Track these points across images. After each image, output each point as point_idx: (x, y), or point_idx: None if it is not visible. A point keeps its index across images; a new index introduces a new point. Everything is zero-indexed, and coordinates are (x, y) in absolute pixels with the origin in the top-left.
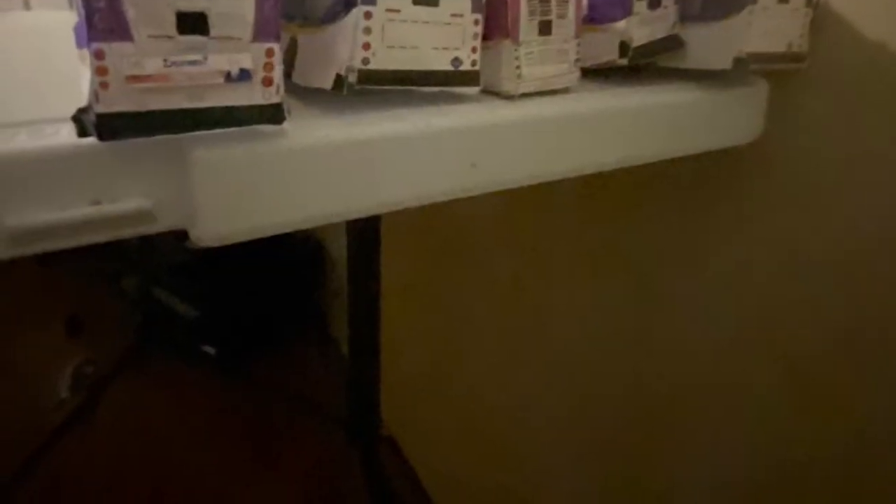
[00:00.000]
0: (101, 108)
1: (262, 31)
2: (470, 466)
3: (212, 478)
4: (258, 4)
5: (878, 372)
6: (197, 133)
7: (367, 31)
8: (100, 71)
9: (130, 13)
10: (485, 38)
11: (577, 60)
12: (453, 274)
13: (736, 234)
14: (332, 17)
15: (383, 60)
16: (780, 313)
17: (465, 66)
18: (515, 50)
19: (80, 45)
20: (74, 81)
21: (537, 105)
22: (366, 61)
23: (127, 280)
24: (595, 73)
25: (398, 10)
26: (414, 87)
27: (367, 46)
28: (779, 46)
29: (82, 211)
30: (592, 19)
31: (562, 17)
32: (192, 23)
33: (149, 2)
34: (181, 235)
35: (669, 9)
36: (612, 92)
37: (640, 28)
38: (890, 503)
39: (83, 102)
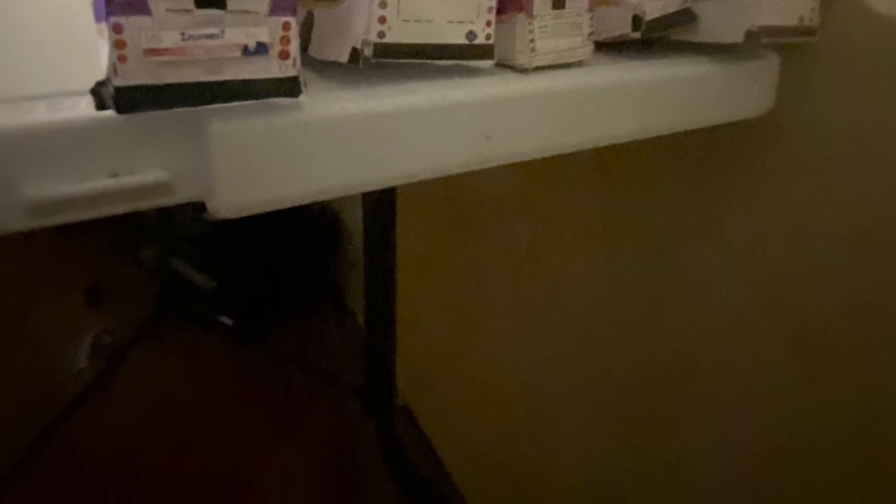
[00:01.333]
0: (119, 82)
1: (278, 4)
2: (484, 435)
3: (229, 446)
4: None
5: (889, 341)
6: (214, 106)
7: (383, 4)
8: (118, 44)
9: None
10: (499, 11)
11: (591, 34)
12: (468, 245)
13: (748, 206)
14: None
15: (398, 34)
16: (792, 283)
17: (480, 40)
18: (529, 24)
19: (98, 18)
20: (92, 55)
21: (551, 78)
22: (381, 35)
23: (145, 251)
24: (608, 47)
25: None
26: (429, 61)
27: (382, 20)
28: (790, 20)
29: (101, 183)
30: None
31: None
32: None
33: None
34: (199, 207)
35: None
36: (625, 65)
37: (652, 2)
38: None
39: (101, 76)
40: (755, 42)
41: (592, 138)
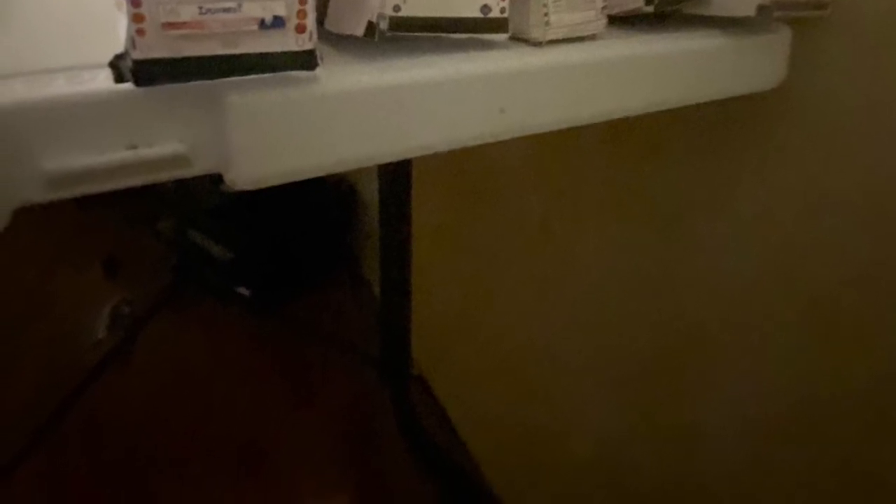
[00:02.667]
0: (137, 55)
1: None
2: (499, 404)
3: (246, 416)
4: None
5: None
6: (231, 79)
7: None
8: (136, 18)
9: None
10: None
11: (604, 8)
12: (483, 216)
13: (760, 177)
14: None
15: (414, 7)
16: (804, 253)
17: (494, 14)
18: None
19: None
20: (111, 28)
21: (564, 52)
22: (397, 8)
23: (163, 223)
24: (621, 21)
25: None
26: (443, 34)
27: None
28: None
29: (119, 155)
30: None
31: None
32: None
33: None
34: (216, 179)
35: None
36: (638, 39)
37: None
38: None
39: (119, 49)
40: (767, 16)
41: (606, 111)
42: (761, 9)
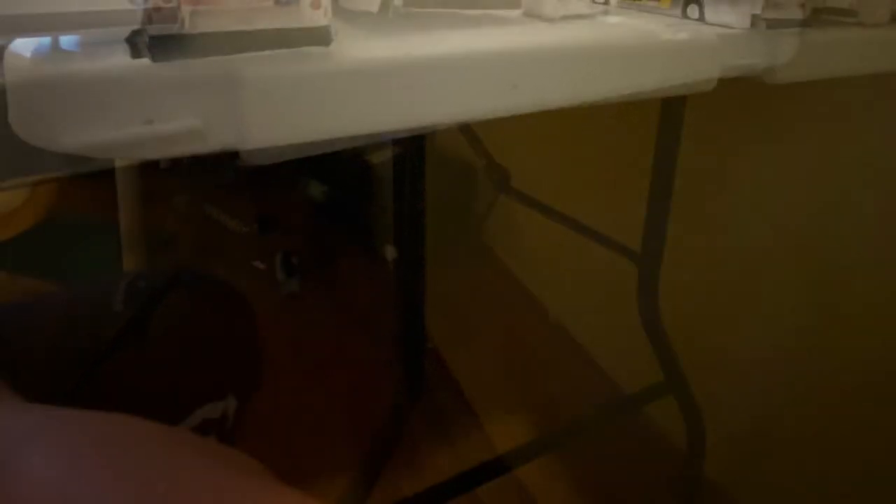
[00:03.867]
0: (154, 31)
1: None
2: (512, 378)
3: (260, 389)
4: None
5: None
6: (246, 55)
7: None
8: None
9: None
10: None
11: None
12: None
13: (765, 152)
14: None
15: None
16: (811, 223)
17: None
18: None
19: None
20: None
21: (577, 28)
22: None
23: (178, 197)
24: None
25: None
26: (457, 10)
27: None
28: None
29: (136, 130)
30: None
31: None
32: None
33: None
34: (232, 154)
35: None
36: (651, 17)
37: None
38: None
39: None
40: (761, 27)
41: (619, 88)
42: (755, 19)
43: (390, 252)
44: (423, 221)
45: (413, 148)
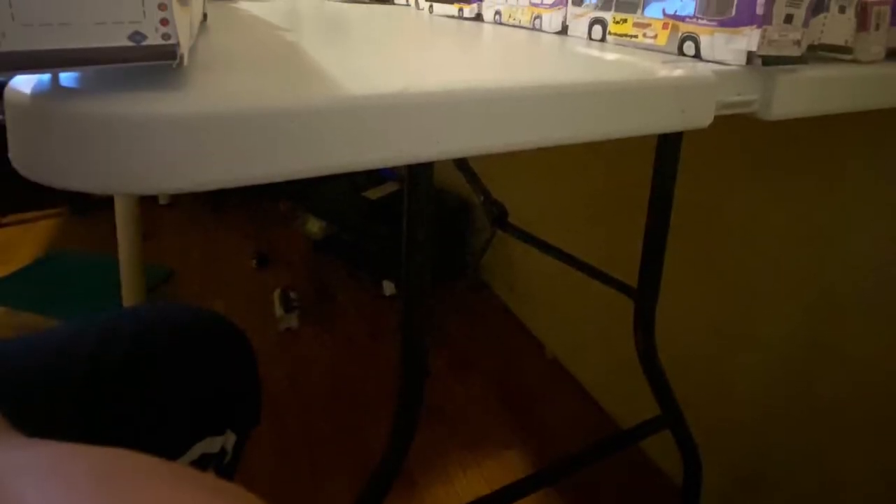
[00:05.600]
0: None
1: None
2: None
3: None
4: None
5: None
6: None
7: None
8: None
9: None
10: None
11: None
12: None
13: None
14: None
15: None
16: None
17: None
18: None
19: None
20: None
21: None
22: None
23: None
24: None
25: None
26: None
27: None
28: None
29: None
30: None
31: None
32: None
33: None
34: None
35: None
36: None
37: None
38: None
39: None
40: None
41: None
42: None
43: (388, 287)
44: (424, 255)
45: (412, 184)
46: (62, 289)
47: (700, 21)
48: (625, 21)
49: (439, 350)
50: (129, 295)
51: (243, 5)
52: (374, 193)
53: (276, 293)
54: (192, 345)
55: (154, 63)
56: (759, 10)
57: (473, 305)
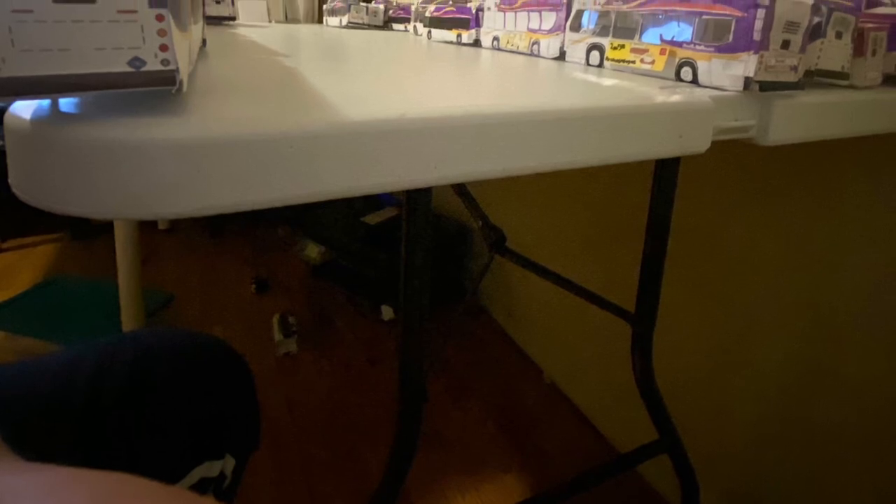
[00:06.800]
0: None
1: None
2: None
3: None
4: None
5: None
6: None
7: None
8: None
9: None
10: None
11: None
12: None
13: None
14: None
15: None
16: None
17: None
18: None
19: None
20: None
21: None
22: None
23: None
24: None
25: None
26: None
27: None
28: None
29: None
30: None
31: None
32: None
33: None
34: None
35: None
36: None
37: None
38: None
39: None
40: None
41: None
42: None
43: (387, 312)
44: (422, 280)
45: (410, 209)
46: (62, 313)
47: (697, 47)
48: (622, 47)
49: (438, 375)
50: (129, 320)
51: (242, 31)
52: (372, 219)
53: (275, 318)
54: (191, 369)
55: (153, 88)
56: (757, 36)
57: (472, 330)
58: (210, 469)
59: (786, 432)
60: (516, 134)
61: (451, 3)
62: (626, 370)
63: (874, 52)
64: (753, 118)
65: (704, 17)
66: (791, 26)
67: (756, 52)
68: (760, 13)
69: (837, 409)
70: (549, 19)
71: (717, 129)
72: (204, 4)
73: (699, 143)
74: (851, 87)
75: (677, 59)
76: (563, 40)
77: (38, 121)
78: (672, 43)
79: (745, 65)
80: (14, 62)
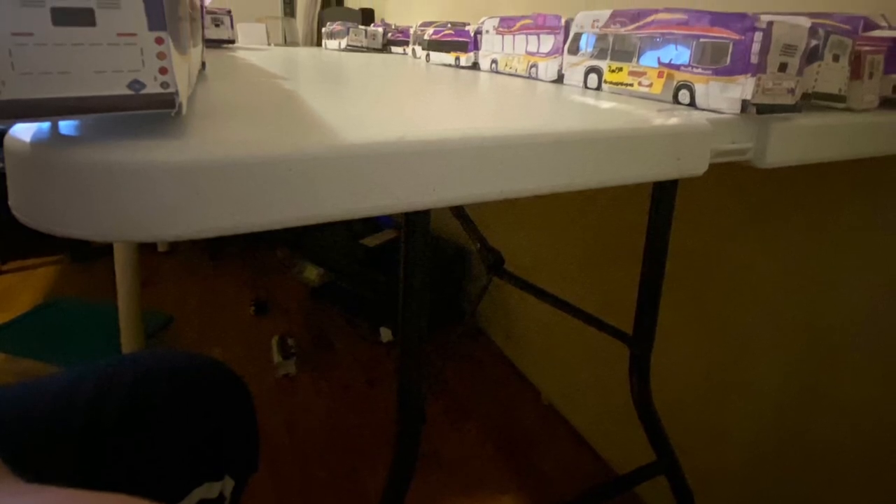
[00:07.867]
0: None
1: None
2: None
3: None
4: None
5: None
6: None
7: None
8: None
9: None
10: None
11: None
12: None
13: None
14: None
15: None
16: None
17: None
18: None
19: None
20: None
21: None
22: None
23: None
24: None
25: None
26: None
27: None
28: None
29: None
30: None
31: None
32: None
33: None
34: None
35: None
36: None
37: None
38: None
39: None
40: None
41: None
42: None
43: (385, 334)
44: (420, 302)
45: (409, 231)
46: (62, 335)
47: (695, 70)
48: (620, 70)
49: (436, 396)
50: (129, 341)
51: (241, 54)
52: (371, 241)
53: (274, 340)
54: (190, 390)
55: (153, 111)
56: (754, 59)
57: (470, 352)
58: (209, 490)
59: (783, 453)
60: (514, 157)
61: (449, 26)
62: (624, 391)
63: (871, 75)
64: (751, 141)
65: (702, 40)
66: (788, 49)
67: (753, 75)
68: (758, 36)
69: (834, 429)
70: (548, 42)
71: (715, 151)
72: (203, 27)
73: (697, 166)
74: (848, 109)
75: (675, 82)
76: (562, 63)
77: (38, 143)
78: (670, 66)
79: (743, 87)
80: (14, 85)
